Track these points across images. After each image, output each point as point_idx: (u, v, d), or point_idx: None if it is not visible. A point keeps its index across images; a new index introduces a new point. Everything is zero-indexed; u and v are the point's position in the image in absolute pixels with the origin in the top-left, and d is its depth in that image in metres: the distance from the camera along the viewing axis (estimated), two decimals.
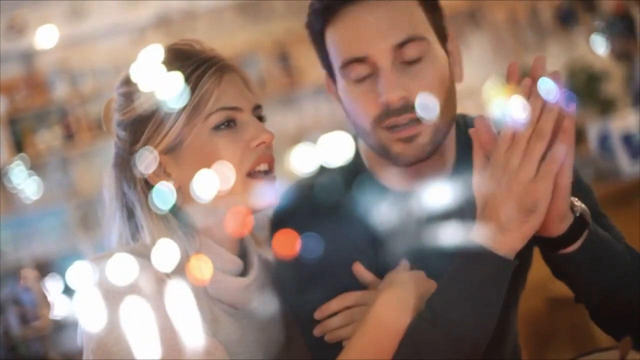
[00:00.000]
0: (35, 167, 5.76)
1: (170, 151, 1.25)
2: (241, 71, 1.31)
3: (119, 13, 5.72)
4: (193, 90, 1.24)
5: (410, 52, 1.22)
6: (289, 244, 1.26)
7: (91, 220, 6.15)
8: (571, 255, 1.19)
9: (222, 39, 6.09)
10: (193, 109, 1.23)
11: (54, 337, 3.65)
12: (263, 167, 1.26)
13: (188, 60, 1.27)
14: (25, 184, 5.47)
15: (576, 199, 1.19)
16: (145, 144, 1.25)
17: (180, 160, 1.25)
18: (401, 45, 1.21)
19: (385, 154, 1.25)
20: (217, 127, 1.24)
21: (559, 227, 1.16)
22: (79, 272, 1.20)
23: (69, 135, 6.09)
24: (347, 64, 1.23)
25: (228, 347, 1.24)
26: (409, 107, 1.21)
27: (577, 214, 1.17)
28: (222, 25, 6.15)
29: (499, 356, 1.40)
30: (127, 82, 1.30)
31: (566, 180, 1.12)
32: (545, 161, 1.09)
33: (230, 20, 6.21)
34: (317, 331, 1.25)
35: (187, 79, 1.24)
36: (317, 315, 1.25)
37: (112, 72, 6.14)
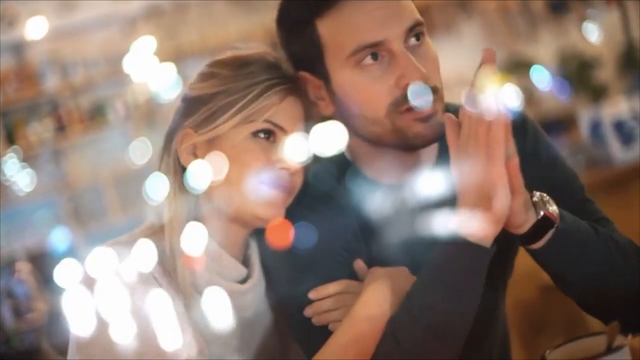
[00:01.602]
0: (27, 159, 5.76)
1: (209, 139, 1.27)
2: (305, 97, 1.32)
3: (109, 4, 5.70)
4: (258, 96, 1.26)
5: (416, 35, 1.23)
6: (281, 234, 1.27)
7: (83, 212, 6.16)
8: (537, 251, 1.20)
9: (213, 29, 6.08)
10: (250, 115, 1.26)
11: (47, 330, 3.66)
12: (279, 187, 1.27)
13: (267, 68, 1.29)
14: (18, 176, 5.47)
15: (546, 197, 1.19)
16: (193, 123, 1.28)
17: (211, 149, 1.27)
18: (410, 30, 1.22)
19: (400, 139, 1.24)
20: (256, 133, 1.26)
21: (520, 227, 1.17)
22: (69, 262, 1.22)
23: (61, 127, 6.08)
24: (358, 51, 1.22)
25: (223, 352, 1.26)
26: (426, 89, 1.22)
27: (539, 217, 1.17)
28: (213, 15, 6.14)
29: (489, 343, 1.41)
30: (213, 64, 1.33)
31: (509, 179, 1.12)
32: (488, 145, 1.10)
33: (221, 10, 6.20)
34: (308, 311, 1.26)
35: (257, 84, 1.27)
36: (312, 295, 1.26)
37: (103, 63, 6.14)
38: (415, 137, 1.24)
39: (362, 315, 1.19)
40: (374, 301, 1.20)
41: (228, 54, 1.32)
